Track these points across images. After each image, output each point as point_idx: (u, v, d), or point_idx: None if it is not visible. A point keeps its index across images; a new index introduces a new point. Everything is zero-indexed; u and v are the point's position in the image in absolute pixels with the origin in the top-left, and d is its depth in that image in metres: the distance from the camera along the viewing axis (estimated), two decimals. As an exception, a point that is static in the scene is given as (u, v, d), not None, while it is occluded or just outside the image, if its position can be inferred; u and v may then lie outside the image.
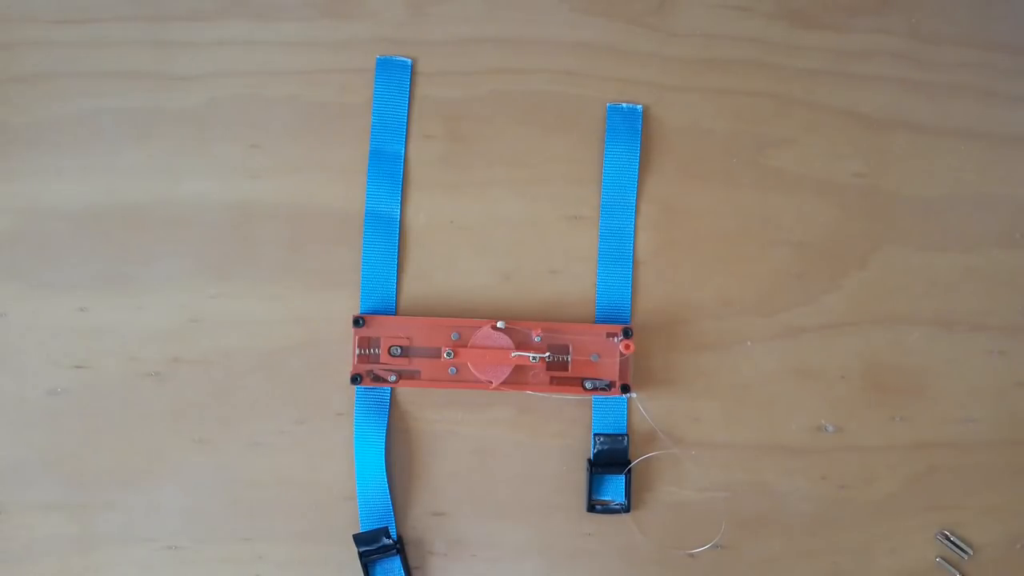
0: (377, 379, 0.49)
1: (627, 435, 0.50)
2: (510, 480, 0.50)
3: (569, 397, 0.50)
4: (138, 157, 0.50)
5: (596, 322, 0.50)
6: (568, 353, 0.49)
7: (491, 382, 0.48)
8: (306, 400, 0.50)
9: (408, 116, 0.51)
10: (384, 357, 0.49)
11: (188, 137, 0.50)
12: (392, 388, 0.50)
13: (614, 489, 0.50)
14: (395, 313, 0.50)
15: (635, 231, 0.51)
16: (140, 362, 0.50)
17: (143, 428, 0.50)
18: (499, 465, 0.50)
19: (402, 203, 0.51)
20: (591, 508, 0.50)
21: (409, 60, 0.51)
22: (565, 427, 0.50)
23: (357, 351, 0.49)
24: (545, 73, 0.51)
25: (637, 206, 0.51)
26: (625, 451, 0.50)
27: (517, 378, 0.48)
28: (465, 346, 0.48)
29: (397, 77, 0.51)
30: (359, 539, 0.48)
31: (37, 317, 0.50)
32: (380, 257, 0.50)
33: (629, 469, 0.49)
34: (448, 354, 0.48)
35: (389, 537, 0.49)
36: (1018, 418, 0.51)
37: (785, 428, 0.51)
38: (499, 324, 0.48)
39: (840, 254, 0.51)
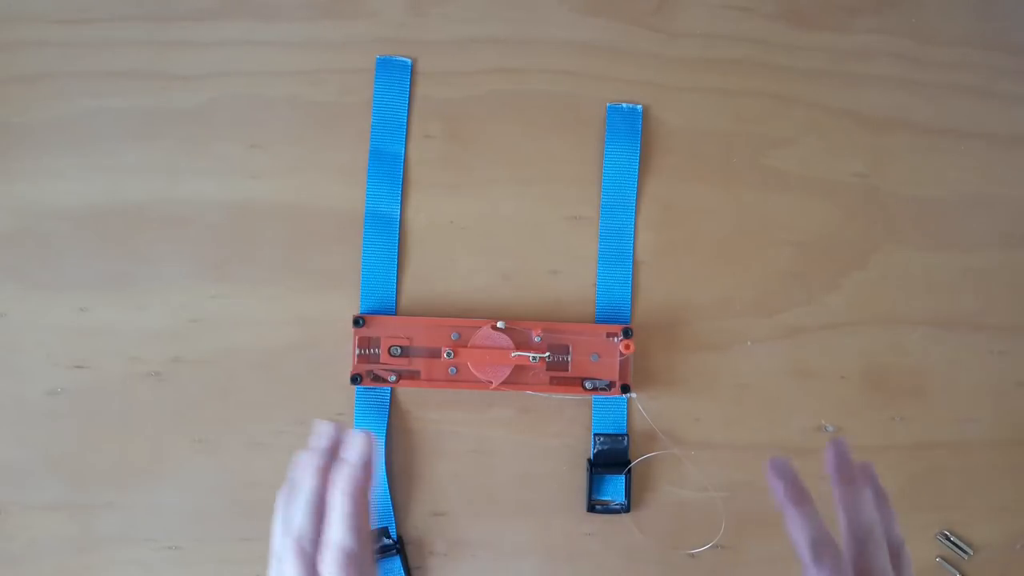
0: (377, 379, 0.49)
1: (627, 435, 0.50)
2: (510, 480, 0.50)
3: (569, 397, 0.50)
4: (138, 157, 0.50)
5: (596, 322, 0.50)
6: (568, 353, 0.49)
7: (491, 382, 0.48)
8: (306, 400, 0.50)
9: (408, 116, 0.51)
10: (384, 357, 0.49)
11: (188, 137, 0.50)
12: (392, 388, 0.50)
13: (614, 489, 0.50)
14: (395, 313, 0.50)
15: (635, 231, 0.51)
16: (140, 362, 0.50)
17: (143, 428, 0.50)
18: (499, 465, 0.50)
19: (402, 203, 0.51)
20: (591, 508, 0.50)
21: (409, 60, 0.51)
22: (565, 427, 0.50)
23: (357, 351, 0.49)
24: (545, 73, 0.51)
25: (637, 206, 0.51)
26: (625, 451, 0.50)
27: (517, 378, 0.48)
28: (465, 346, 0.48)
29: (397, 77, 0.51)
30: (359, 539, 0.48)
31: (37, 317, 0.50)
32: (380, 257, 0.50)
33: (629, 469, 0.49)
34: (448, 354, 0.48)
35: (389, 537, 0.49)
36: (1018, 418, 0.51)
37: (785, 428, 0.51)
38: (499, 324, 0.48)
39: (840, 254, 0.51)
